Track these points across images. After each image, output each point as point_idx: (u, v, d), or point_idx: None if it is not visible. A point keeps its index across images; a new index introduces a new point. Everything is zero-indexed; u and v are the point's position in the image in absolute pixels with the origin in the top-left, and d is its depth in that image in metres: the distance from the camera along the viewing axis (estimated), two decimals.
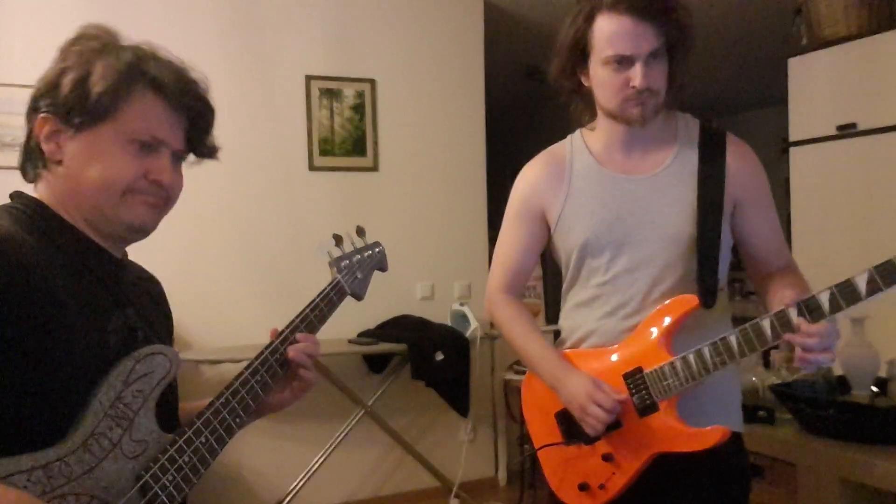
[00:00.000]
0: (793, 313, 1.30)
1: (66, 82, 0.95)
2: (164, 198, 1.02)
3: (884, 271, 1.22)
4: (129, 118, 0.97)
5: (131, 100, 0.97)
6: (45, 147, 0.97)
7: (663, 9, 1.40)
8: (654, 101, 1.44)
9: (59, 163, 0.97)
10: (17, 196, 0.99)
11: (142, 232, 1.02)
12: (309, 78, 3.70)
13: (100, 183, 0.96)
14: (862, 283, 1.24)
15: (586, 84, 1.50)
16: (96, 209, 0.97)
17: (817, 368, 1.70)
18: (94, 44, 0.99)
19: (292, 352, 1.11)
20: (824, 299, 1.27)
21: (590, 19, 1.43)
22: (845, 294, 1.26)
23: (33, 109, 0.98)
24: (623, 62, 1.40)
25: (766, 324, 1.33)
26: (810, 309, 1.29)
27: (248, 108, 3.55)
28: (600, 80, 1.44)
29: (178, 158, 1.04)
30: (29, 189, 1.02)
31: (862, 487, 1.87)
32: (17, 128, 2.90)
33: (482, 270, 4.08)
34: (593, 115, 1.57)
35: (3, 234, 0.87)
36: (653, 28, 1.39)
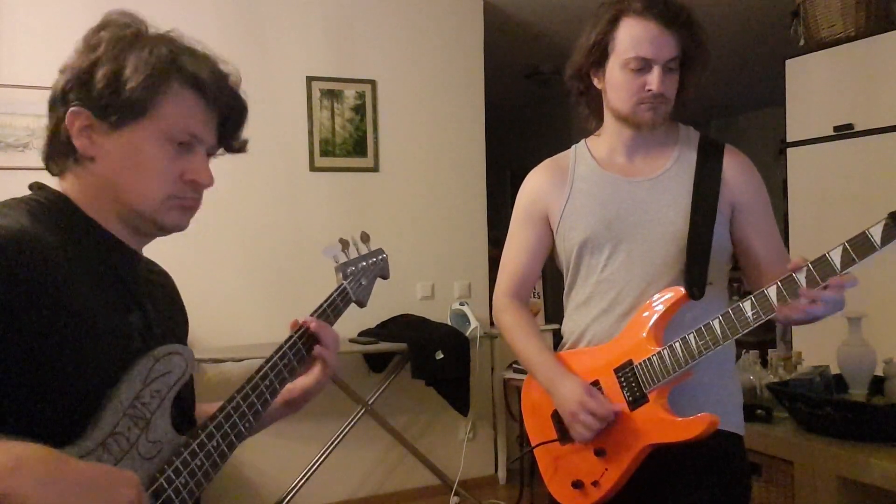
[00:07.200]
0: (801, 277, 1.25)
1: (100, 76, 0.91)
2: (199, 199, 1.01)
3: None
4: (166, 115, 0.94)
5: (168, 96, 0.94)
6: (77, 142, 0.92)
7: (686, 23, 1.45)
8: (664, 108, 1.48)
9: (92, 159, 0.93)
10: (38, 188, 0.96)
11: (175, 232, 1.01)
12: (310, 79, 3.71)
13: (140, 188, 0.94)
14: (877, 233, 1.13)
15: (598, 86, 1.54)
16: (134, 211, 0.95)
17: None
18: (124, 32, 0.95)
19: (315, 325, 1.12)
20: (835, 255, 1.19)
21: (614, 22, 1.46)
22: (858, 247, 1.17)
23: (62, 101, 0.93)
24: (643, 66, 1.43)
25: (771, 291, 1.29)
26: (820, 269, 1.20)
27: (249, 108, 3.55)
28: (617, 81, 1.48)
29: (209, 154, 1.02)
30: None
31: (859, 485, 1.89)
32: (18, 128, 2.76)
33: (482, 270, 4.10)
34: (599, 121, 1.60)
35: (23, 233, 0.84)
36: (675, 38, 1.44)
